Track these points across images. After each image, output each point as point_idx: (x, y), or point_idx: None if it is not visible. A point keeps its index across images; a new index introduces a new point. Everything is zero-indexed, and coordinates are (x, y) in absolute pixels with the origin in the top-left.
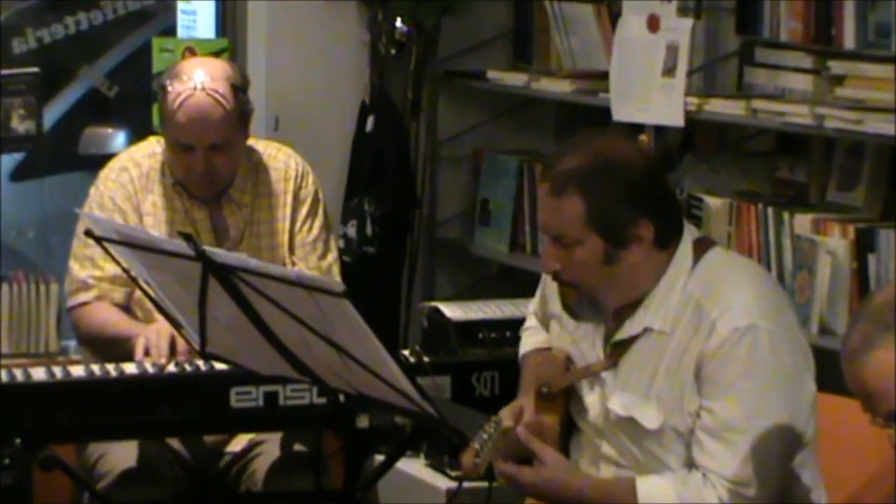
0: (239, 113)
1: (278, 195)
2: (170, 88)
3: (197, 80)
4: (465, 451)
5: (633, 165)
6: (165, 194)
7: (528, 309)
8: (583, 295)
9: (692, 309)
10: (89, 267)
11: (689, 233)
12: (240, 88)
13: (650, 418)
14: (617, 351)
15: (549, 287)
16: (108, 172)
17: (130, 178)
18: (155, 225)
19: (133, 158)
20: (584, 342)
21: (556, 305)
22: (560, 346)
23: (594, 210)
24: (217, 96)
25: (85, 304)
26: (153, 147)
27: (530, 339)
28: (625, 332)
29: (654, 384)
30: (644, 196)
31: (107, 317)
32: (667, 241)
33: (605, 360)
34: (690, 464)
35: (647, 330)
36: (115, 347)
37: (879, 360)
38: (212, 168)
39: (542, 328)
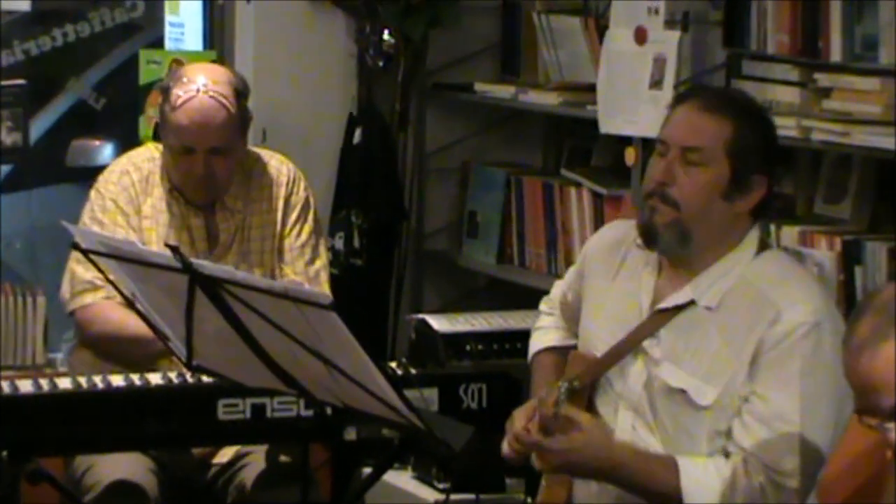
0: (240, 118)
1: (270, 201)
2: (172, 91)
3: (200, 83)
4: (541, 401)
5: (774, 129)
6: (163, 199)
7: (542, 305)
8: (675, 222)
9: (751, 295)
10: (94, 269)
11: (757, 228)
12: (241, 94)
13: (704, 394)
14: (658, 319)
15: (589, 262)
16: (108, 176)
17: (132, 182)
18: (153, 228)
19: (133, 162)
20: (630, 304)
21: (600, 279)
22: (597, 321)
23: (739, 138)
24: (220, 99)
25: (94, 304)
26: (151, 152)
27: (543, 338)
28: (671, 300)
29: (706, 361)
30: (776, 155)
31: (123, 316)
32: (763, 212)
33: (644, 328)
34: (719, 448)
35: (692, 303)
36: (134, 347)
37: (888, 353)
38: (211, 172)
39: (556, 325)
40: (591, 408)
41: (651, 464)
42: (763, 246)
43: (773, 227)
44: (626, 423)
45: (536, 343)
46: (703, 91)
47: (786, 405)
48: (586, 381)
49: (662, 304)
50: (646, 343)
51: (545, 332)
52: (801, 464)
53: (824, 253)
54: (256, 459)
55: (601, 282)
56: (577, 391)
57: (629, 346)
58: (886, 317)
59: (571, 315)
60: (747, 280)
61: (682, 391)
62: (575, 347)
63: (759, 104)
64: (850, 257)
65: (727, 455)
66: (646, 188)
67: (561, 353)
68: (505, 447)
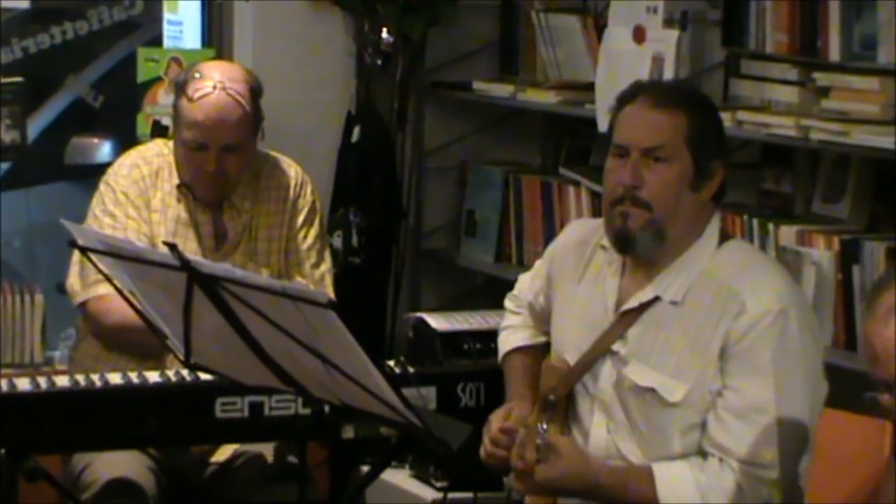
0: (254, 117)
1: (277, 203)
2: (189, 86)
3: (217, 80)
4: (518, 449)
5: (719, 115)
6: (172, 194)
7: (508, 303)
8: (650, 223)
9: (715, 288)
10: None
11: (717, 218)
12: (256, 93)
13: (672, 391)
14: (625, 320)
15: (558, 263)
16: (118, 169)
17: (142, 175)
18: (161, 222)
19: (143, 156)
20: (596, 307)
21: (568, 280)
22: (567, 326)
23: (695, 129)
24: (237, 96)
25: (109, 294)
26: (160, 148)
27: (511, 338)
28: (635, 300)
29: (674, 357)
30: (724, 141)
31: None
32: (720, 196)
33: (612, 331)
34: (697, 447)
35: (657, 299)
36: (152, 337)
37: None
38: (222, 169)
39: (525, 324)
40: (571, 415)
41: (627, 478)
42: (724, 237)
43: (771, 227)
44: (601, 424)
45: (505, 343)
46: (648, 88)
47: (760, 395)
48: (561, 392)
49: (627, 306)
50: (615, 345)
51: (514, 331)
52: (781, 453)
53: (822, 252)
54: (254, 459)
55: (568, 284)
56: (553, 404)
57: (599, 352)
58: None
59: (540, 317)
60: (710, 272)
61: (652, 389)
62: (544, 345)
63: (702, 93)
64: (848, 257)
65: (704, 455)
66: (611, 196)
67: (531, 353)
68: (483, 453)
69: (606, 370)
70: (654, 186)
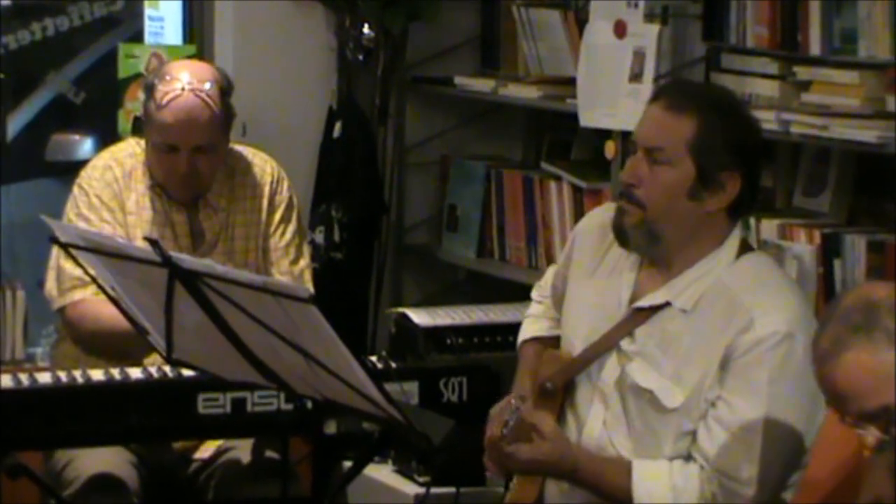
0: (224, 116)
1: (254, 199)
2: (157, 88)
3: (185, 81)
4: (491, 416)
5: (750, 120)
6: (146, 194)
7: (534, 293)
8: (643, 222)
9: (726, 299)
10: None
11: (739, 229)
12: (226, 92)
13: (670, 396)
14: (634, 318)
15: (577, 246)
16: (91, 172)
17: (115, 177)
18: (137, 224)
19: (115, 158)
20: (610, 298)
21: (587, 262)
22: (578, 312)
23: (702, 137)
24: (205, 97)
25: (84, 300)
26: (132, 148)
27: (531, 327)
28: (648, 300)
29: (675, 363)
30: (748, 152)
31: (116, 311)
32: (740, 211)
33: (620, 328)
34: (684, 452)
35: (668, 304)
36: (129, 342)
37: (850, 362)
38: (194, 170)
39: (546, 314)
40: (569, 402)
41: (605, 468)
42: (744, 248)
43: (752, 221)
44: (598, 416)
45: (524, 332)
46: (675, 88)
47: (750, 413)
48: (559, 382)
49: (640, 303)
50: (622, 341)
51: (534, 320)
52: (760, 473)
53: (804, 246)
54: (237, 455)
55: (585, 268)
56: (549, 392)
57: (606, 346)
58: (846, 326)
59: (560, 301)
60: (724, 284)
61: (650, 392)
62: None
63: (734, 100)
64: (830, 250)
65: (689, 459)
66: (619, 189)
67: (547, 344)
68: (486, 460)
69: (611, 364)
70: (650, 187)
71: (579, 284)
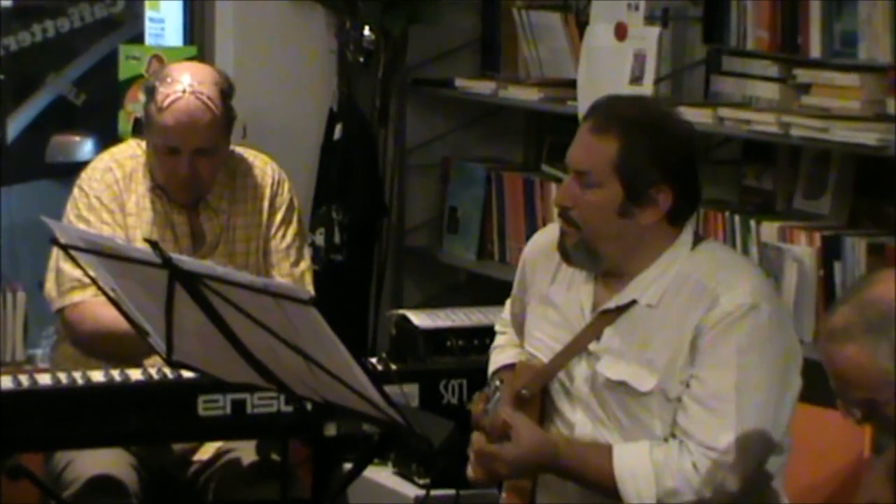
0: (225, 119)
1: (254, 201)
2: (158, 90)
3: (186, 84)
4: (474, 400)
5: (677, 133)
6: (146, 196)
7: (497, 326)
8: (580, 242)
9: (690, 286)
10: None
11: (691, 224)
12: (226, 94)
13: (642, 381)
14: (602, 320)
15: (529, 268)
16: (91, 173)
17: (115, 179)
18: (137, 225)
19: (116, 159)
20: (572, 309)
21: (540, 283)
22: (541, 328)
23: (625, 158)
24: (206, 100)
25: (84, 302)
26: (133, 149)
27: (499, 357)
28: (613, 302)
29: (646, 351)
30: (675, 165)
31: (116, 313)
32: (679, 218)
33: (588, 331)
34: (672, 434)
35: (634, 302)
36: (129, 344)
37: (850, 356)
38: (195, 172)
39: (511, 343)
40: (550, 412)
41: (587, 455)
42: (697, 239)
43: (752, 223)
44: (584, 423)
45: (493, 363)
46: (602, 108)
47: (721, 383)
48: (535, 388)
49: (606, 306)
50: (590, 344)
51: (500, 350)
52: (738, 440)
53: (804, 248)
54: (237, 457)
55: (541, 288)
56: (527, 400)
57: (575, 350)
58: (862, 318)
59: (521, 329)
60: (686, 273)
61: (623, 382)
62: None
63: (661, 113)
64: (830, 253)
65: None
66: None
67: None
68: (470, 471)
69: (581, 369)
70: (582, 209)
71: (539, 305)
